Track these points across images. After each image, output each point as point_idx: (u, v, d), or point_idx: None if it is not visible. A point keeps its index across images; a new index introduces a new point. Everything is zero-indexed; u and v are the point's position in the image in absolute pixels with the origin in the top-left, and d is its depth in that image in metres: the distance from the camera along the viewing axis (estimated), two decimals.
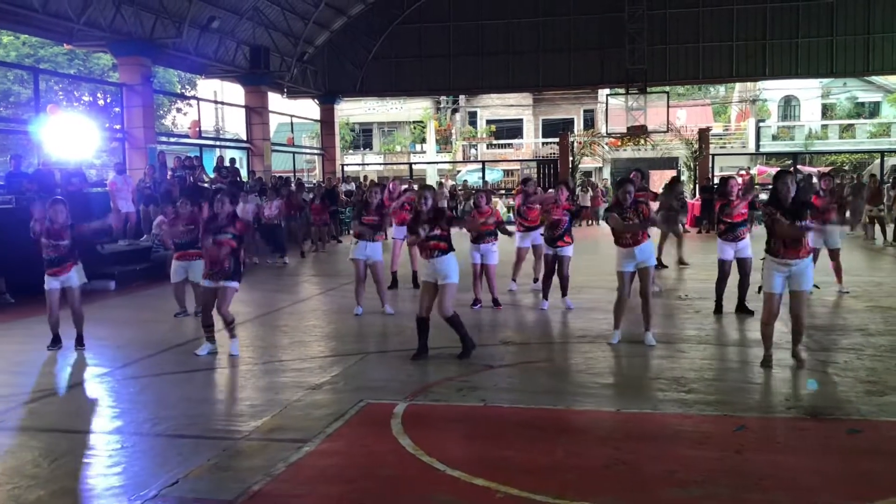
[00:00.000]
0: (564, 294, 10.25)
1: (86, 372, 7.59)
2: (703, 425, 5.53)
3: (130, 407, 6.42)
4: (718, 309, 9.62)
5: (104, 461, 5.12)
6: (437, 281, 7.43)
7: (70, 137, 16.66)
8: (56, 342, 8.37)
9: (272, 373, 7.30)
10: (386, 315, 9.91)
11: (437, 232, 7.41)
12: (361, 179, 26.79)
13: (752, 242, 9.46)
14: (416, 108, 43.94)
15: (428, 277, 7.50)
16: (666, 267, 13.34)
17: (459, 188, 31.09)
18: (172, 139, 26.42)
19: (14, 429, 5.79)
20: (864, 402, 5.96)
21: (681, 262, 13.88)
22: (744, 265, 9.46)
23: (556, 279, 10.24)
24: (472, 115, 44.87)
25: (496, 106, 43.47)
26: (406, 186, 13.07)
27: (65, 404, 6.52)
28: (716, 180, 25.96)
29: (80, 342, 8.38)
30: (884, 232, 18.57)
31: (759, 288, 7.05)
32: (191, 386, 6.99)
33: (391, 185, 12.37)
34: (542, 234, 10.38)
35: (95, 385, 7.15)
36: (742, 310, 9.49)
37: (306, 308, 10.98)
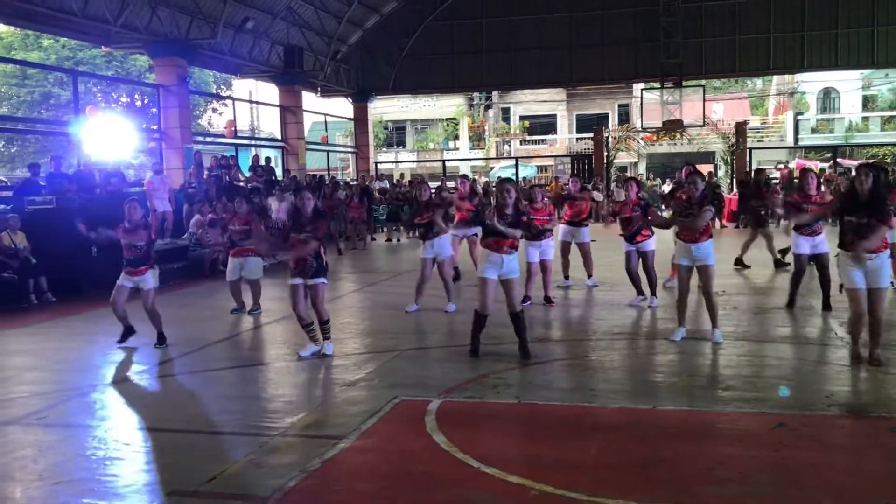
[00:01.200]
0: (653, 292, 9.97)
1: (125, 369, 7.71)
2: (741, 422, 5.46)
3: (168, 404, 6.52)
4: (791, 303, 9.42)
5: (142, 457, 5.21)
6: (502, 277, 7.29)
7: (109, 138, 16.94)
8: (128, 333, 8.46)
9: (308, 369, 7.35)
10: (446, 312, 9.77)
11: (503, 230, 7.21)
12: (397, 177, 26.84)
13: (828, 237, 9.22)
14: (448, 106, 43.93)
15: (492, 273, 7.27)
16: (748, 267, 12.84)
17: (493, 185, 31.00)
18: (208, 139, 26.76)
19: (55, 425, 5.90)
20: None
21: (777, 262, 12.92)
22: (821, 261, 9.27)
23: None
24: (506, 112, 44.74)
25: (529, 102, 43.28)
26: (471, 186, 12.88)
27: (105, 401, 6.62)
28: (753, 174, 25.65)
29: (161, 339, 8.41)
30: None
31: (841, 286, 6.88)
32: (227, 383, 7.07)
33: (461, 184, 12.22)
34: (622, 236, 10.09)
35: (134, 382, 7.27)
36: (827, 307, 9.23)
37: (342, 305, 11.03)
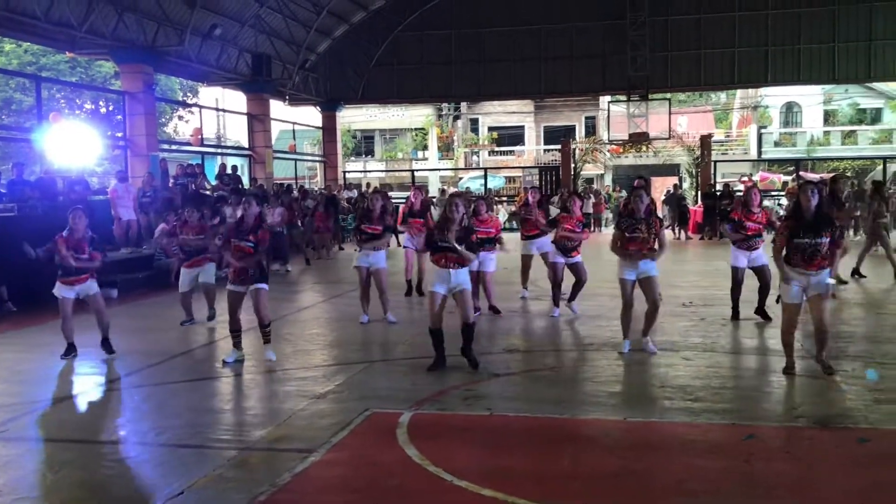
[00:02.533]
0: (572, 298, 10.20)
1: (89, 381, 7.56)
2: (711, 434, 5.49)
3: (134, 416, 6.40)
4: (735, 315, 9.58)
5: (107, 472, 5.09)
6: (449, 291, 7.33)
7: (72, 145, 16.65)
8: (70, 350, 8.30)
9: (276, 382, 7.26)
10: (389, 324, 9.86)
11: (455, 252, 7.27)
12: (364, 186, 26.79)
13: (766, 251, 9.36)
14: (417, 115, 43.95)
15: (441, 288, 7.35)
16: (864, 276, 12.73)
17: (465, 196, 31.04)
18: (174, 147, 26.44)
19: (17, 439, 5.75)
20: (872, 410, 5.92)
21: (856, 272, 12.87)
22: (762, 273, 9.40)
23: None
24: (474, 122, 44.87)
25: (498, 113, 43.46)
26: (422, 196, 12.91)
27: (68, 414, 6.48)
28: (718, 187, 26.00)
29: (107, 346, 8.29)
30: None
31: (778, 298, 6.97)
32: (195, 395, 6.95)
33: (413, 195, 12.28)
34: (552, 242, 10.26)
35: (99, 394, 7.12)
36: (762, 314, 9.45)
37: (309, 316, 10.94)
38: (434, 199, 23.27)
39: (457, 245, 7.25)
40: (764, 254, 9.36)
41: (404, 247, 12.34)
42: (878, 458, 5.03)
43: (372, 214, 9.99)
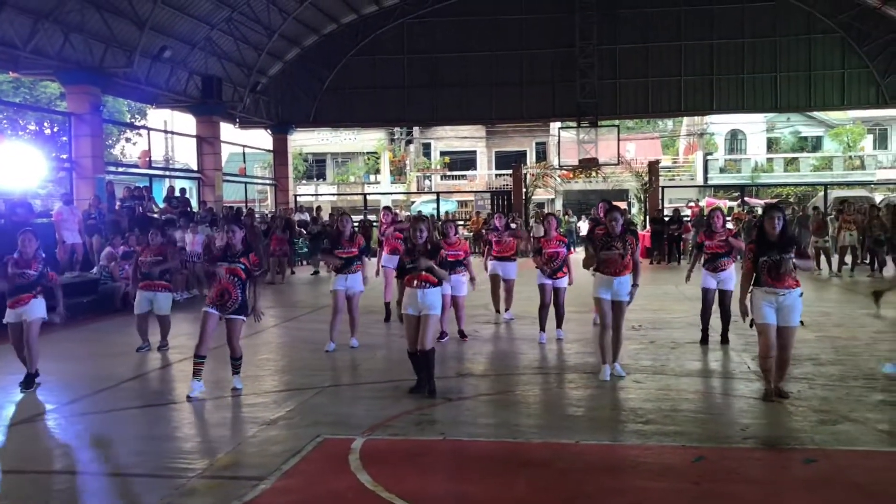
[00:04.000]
0: (559, 325, 10.18)
1: (32, 409, 7.32)
2: (663, 456, 5.54)
3: (78, 445, 6.22)
4: (705, 339, 9.63)
5: (53, 502, 4.92)
6: (420, 312, 7.30)
7: (15, 167, 16.27)
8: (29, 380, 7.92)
9: (225, 408, 7.14)
10: (350, 348, 9.72)
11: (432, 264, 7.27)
12: (314, 210, 26.63)
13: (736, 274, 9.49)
14: (370, 139, 44.01)
15: (412, 310, 7.32)
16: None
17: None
18: (121, 169, 26.04)
19: None
20: (817, 431, 6.04)
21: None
22: (724, 297, 9.51)
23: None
24: (426, 147, 45.08)
25: (450, 138, 43.74)
26: (394, 217, 13.01)
27: (9, 443, 6.27)
28: (667, 212, 26.45)
29: (29, 382, 7.86)
30: (829, 263, 19.03)
31: (751, 322, 6.92)
32: (141, 423, 6.79)
33: (383, 216, 12.40)
34: (541, 269, 10.01)
35: (41, 423, 6.90)
36: (725, 340, 9.56)
37: (260, 341, 10.79)
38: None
39: (431, 264, 7.23)
40: (733, 277, 9.44)
41: (383, 266, 12.02)
42: (825, 479, 5.12)
43: (342, 238, 9.79)
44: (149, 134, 27.16)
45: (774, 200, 30.93)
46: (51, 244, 14.49)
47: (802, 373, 7.99)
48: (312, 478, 5.24)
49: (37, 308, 7.96)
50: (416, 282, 7.31)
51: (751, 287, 6.92)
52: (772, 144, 43.83)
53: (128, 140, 38.80)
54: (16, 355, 8.05)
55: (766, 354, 6.85)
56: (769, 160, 42.50)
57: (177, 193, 20.61)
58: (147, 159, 24.02)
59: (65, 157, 19.44)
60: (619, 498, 4.78)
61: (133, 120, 37.15)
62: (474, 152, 44.06)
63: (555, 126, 34.84)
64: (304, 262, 22.27)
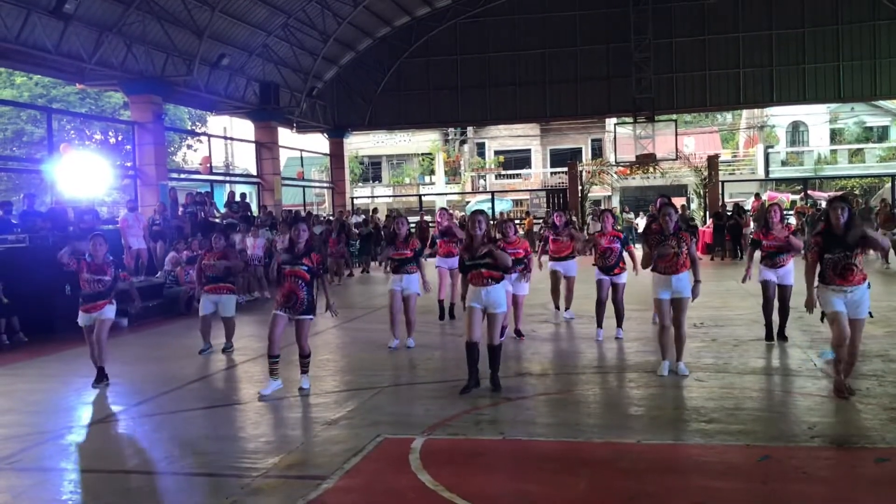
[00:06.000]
0: (619, 324, 10.06)
1: (101, 411, 7.55)
2: (727, 455, 5.44)
3: (146, 446, 6.38)
4: (769, 335, 9.44)
5: (120, 501, 5.07)
6: (486, 309, 7.32)
7: (82, 176, 16.80)
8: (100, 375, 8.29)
9: (288, 408, 7.25)
10: (407, 348, 9.80)
11: (489, 260, 7.26)
12: (370, 212, 26.86)
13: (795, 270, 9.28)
14: (424, 141, 44.20)
15: (477, 304, 7.33)
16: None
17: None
18: (183, 175, 26.62)
19: (29, 469, 5.74)
20: (888, 429, 5.86)
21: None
22: (783, 292, 9.32)
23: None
24: (481, 146, 45.07)
25: (504, 137, 43.66)
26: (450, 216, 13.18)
27: (80, 444, 6.47)
28: (728, 207, 25.95)
29: (100, 377, 8.25)
30: None
31: (822, 316, 6.77)
32: (207, 423, 6.94)
33: (439, 215, 12.57)
34: (596, 265, 10.01)
35: (111, 424, 7.11)
36: (783, 337, 9.39)
37: (320, 341, 10.92)
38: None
39: (491, 247, 7.21)
40: (792, 272, 9.28)
41: (437, 266, 12.12)
42: None
43: (397, 239, 9.96)
44: (209, 140, 27.77)
45: (839, 193, 30.12)
46: (117, 250, 14.93)
47: (871, 370, 7.76)
48: (374, 477, 5.28)
49: (108, 311, 8.33)
50: (478, 279, 7.33)
51: (816, 282, 6.76)
52: (835, 135, 42.65)
53: (189, 147, 39.72)
54: (90, 356, 8.33)
55: (841, 343, 6.64)
56: (833, 152, 41.39)
57: (237, 198, 21.02)
58: (208, 165, 24.56)
59: (129, 164, 19.96)
60: (684, 497, 4.72)
61: (194, 127, 37.99)
62: (528, 150, 43.89)
63: (610, 122, 34.52)
64: (358, 264, 22.47)
